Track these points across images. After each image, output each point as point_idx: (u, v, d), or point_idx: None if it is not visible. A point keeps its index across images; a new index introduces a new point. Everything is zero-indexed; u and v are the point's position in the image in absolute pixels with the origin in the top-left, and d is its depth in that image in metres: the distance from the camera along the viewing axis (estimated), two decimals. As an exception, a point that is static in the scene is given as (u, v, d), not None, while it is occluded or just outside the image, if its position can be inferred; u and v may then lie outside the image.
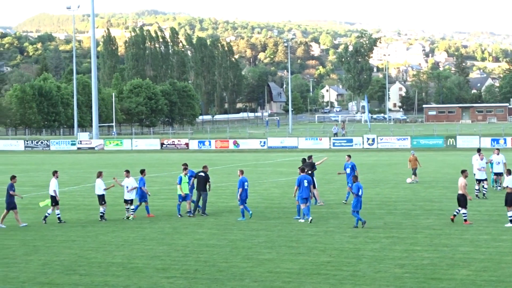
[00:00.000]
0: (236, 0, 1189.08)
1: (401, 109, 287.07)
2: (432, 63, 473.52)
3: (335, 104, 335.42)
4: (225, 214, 34.81)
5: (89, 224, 32.37)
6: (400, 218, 32.38)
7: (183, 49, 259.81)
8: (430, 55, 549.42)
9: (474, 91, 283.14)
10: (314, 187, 36.13)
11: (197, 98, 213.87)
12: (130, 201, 33.57)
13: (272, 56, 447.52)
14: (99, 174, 33.99)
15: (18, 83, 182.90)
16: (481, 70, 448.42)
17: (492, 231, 28.40)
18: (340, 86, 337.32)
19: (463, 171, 30.93)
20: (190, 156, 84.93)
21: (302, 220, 31.69)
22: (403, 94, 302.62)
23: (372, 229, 29.31)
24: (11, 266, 23.61)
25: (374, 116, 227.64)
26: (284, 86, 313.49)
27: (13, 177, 32.75)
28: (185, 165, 34.67)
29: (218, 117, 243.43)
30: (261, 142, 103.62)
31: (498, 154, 41.60)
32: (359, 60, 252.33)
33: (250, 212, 32.84)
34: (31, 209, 36.88)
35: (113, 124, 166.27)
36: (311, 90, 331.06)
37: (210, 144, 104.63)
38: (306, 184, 31.45)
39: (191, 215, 33.86)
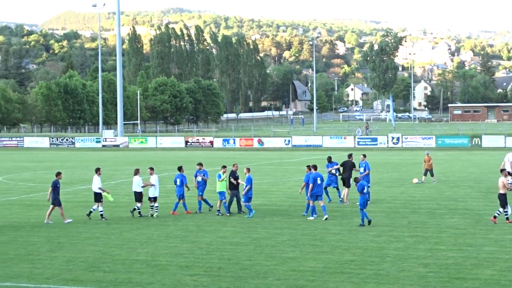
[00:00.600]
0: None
1: (426, 108, 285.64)
2: (458, 62, 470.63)
3: (360, 103, 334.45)
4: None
5: (113, 221, 32.43)
6: (424, 217, 32.25)
7: (208, 47, 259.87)
8: (455, 54, 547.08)
9: (499, 90, 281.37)
10: (349, 187, 36.69)
11: (221, 96, 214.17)
12: (154, 199, 33.58)
13: (297, 55, 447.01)
14: (137, 172, 33.98)
15: (43, 80, 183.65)
16: (507, 70, 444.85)
17: (517, 231, 28.19)
18: (365, 85, 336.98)
19: (502, 170, 30.97)
20: (214, 154, 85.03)
21: (311, 218, 31.83)
22: (428, 93, 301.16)
23: (396, 228, 29.23)
24: (35, 262, 23.70)
25: (399, 115, 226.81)
26: (309, 84, 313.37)
27: (58, 174, 32.53)
28: (224, 167, 34.58)
29: (242, 115, 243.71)
30: (285, 140, 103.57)
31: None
32: (384, 59, 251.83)
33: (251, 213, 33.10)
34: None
35: (138, 121, 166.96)
36: (336, 89, 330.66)
37: (234, 142, 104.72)
38: (319, 181, 31.84)
39: (219, 214, 33.83)
